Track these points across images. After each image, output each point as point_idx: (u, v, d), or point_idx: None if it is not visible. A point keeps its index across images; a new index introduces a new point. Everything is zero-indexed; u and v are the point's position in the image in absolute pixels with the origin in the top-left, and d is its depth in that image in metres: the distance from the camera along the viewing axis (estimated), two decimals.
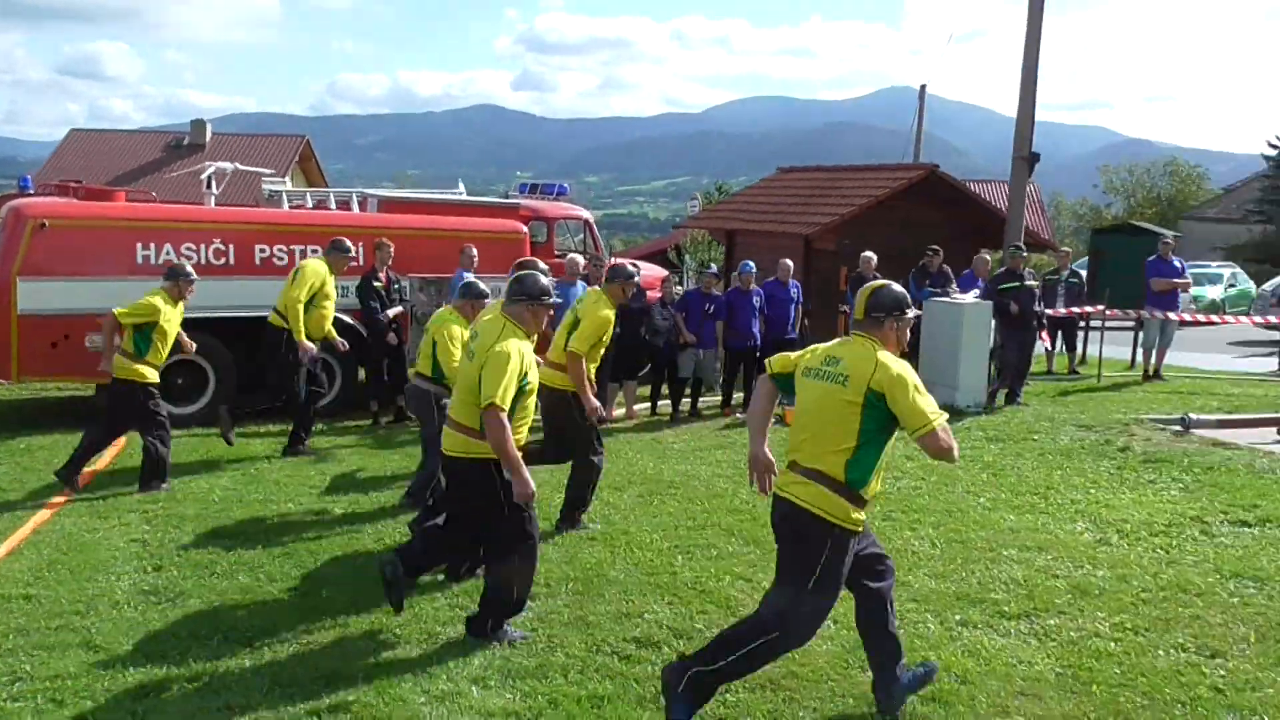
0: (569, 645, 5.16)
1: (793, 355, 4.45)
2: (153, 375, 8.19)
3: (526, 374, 5.09)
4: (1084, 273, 17.17)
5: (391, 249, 10.90)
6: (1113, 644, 5.11)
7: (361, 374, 11.48)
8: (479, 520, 5.30)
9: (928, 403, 4.01)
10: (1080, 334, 15.05)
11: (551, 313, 5.52)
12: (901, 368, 4.07)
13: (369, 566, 6.08)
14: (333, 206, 12.75)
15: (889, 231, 15.31)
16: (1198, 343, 18.28)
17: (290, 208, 12.45)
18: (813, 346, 4.40)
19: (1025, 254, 12.71)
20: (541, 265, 6.67)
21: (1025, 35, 15.01)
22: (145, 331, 8.09)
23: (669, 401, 11.91)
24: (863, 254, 12.99)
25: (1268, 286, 21.70)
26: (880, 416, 4.03)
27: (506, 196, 14.71)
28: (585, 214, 14.13)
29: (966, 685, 4.69)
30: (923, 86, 30.89)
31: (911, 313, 4.29)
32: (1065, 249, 14.57)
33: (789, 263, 12.36)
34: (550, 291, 5.41)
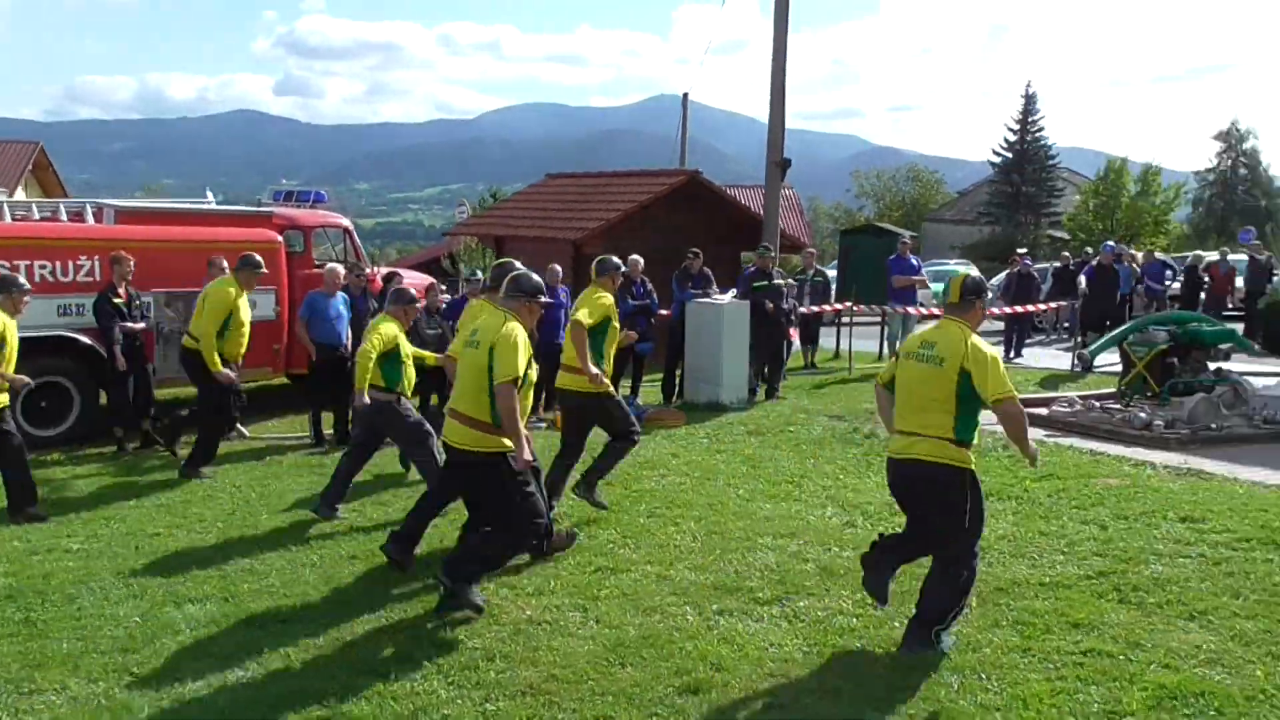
0: (325, 668, 4.97)
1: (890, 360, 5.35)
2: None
3: (530, 361, 5.46)
4: (832, 272, 18.16)
5: (131, 263, 10.19)
6: (855, 620, 5.41)
7: (104, 398, 10.67)
8: (489, 508, 5.60)
9: (1005, 379, 4.75)
10: (823, 330, 15.87)
11: (542, 311, 5.84)
12: (986, 349, 4.82)
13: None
14: (64, 218, 11.78)
15: (654, 235, 15.68)
16: None
17: (14, 219, 11.42)
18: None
19: (773, 254, 13.29)
20: (518, 265, 6.52)
21: (772, 47, 15.71)
22: None
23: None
24: (630, 257, 13.22)
25: (996, 281, 23.62)
26: (971, 387, 4.77)
27: (259, 204, 14.01)
28: (345, 222, 13.65)
29: (721, 672, 4.83)
30: (685, 95, 31.83)
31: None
32: (811, 249, 15.35)
33: (557, 268, 12.41)
34: (543, 289, 5.80)
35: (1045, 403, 10.77)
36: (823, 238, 58.29)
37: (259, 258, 9.41)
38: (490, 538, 5.71)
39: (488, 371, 5.32)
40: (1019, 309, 16.35)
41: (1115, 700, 4.36)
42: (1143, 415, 9.60)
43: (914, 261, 15.25)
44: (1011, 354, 16.47)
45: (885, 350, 15.52)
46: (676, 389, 12.93)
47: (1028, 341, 17.56)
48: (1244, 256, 20.75)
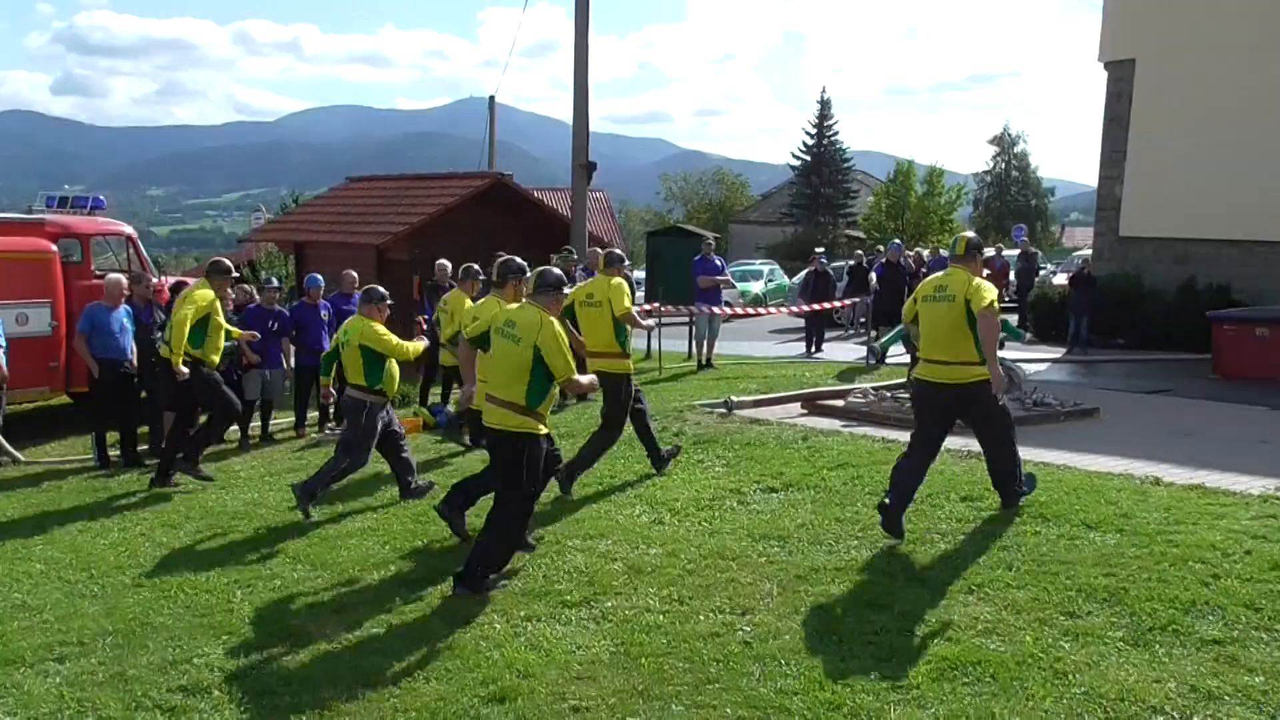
0: (103, 707, 4.63)
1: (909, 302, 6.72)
2: None
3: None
4: (640, 273, 18.38)
5: None
6: (661, 616, 5.46)
7: None
8: (506, 478, 6.00)
9: (995, 303, 6.19)
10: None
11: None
12: (986, 285, 6.28)
13: None
14: None
15: (460, 238, 15.44)
16: (745, 333, 20.28)
17: None
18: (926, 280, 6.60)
19: (576, 257, 13.33)
20: (516, 259, 6.92)
21: (574, 50, 15.77)
22: None
23: (236, 427, 11.17)
24: (437, 261, 13.00)
25: (796, 280, 24.53)
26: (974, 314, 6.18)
27: (30, 211, 13.00)
28: (127, 229, 12.85)
29: (528, 679, 4.79)
30: (492, 97, 31.53)
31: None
32: (350, 273, 15.37)
33: (353, 274, 12.09)
34: (565, 281, 6.32)
35: (841, 395, 11.23)
36: (635, 240, 59.00)
37: (228, 262, 9.31)
38: (487, 539, 6.07)
39: (530, 367, 5.82)
40: (817, 306, 16.97)
41: (903, 675, 4.57)
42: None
43: (718, 262, 15.61)
44: (812, 349, 17.09)
45: (693, 350, 15.80)
46: None
47: (827, 337, 18.28)
48: (1017, 252, 22.35)
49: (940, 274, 6.53)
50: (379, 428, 7.92)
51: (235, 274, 10.52)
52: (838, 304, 18.18)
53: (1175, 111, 16.74)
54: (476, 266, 10.16)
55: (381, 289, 8.12)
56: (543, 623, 5.47)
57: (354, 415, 7.92)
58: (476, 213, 16.69)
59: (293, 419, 11.81)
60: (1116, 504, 6.60)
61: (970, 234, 6.75)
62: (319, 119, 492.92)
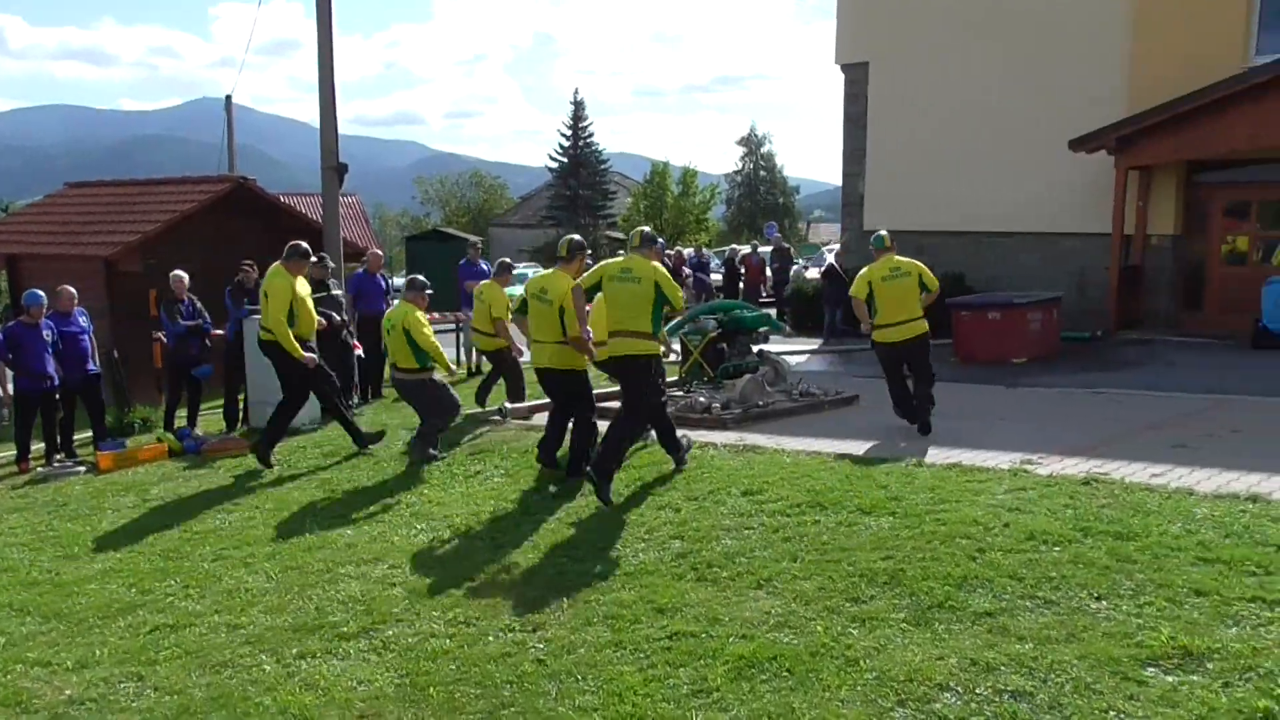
0: None
1: (866, 278, 8.96)
2: None
3: None
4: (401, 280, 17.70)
5: None
6: (447, 641, 5.20)
7: None
8: (630, 393, 7.57)
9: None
10: None
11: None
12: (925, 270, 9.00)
13: None
14: None
15: (200, 247, 14.43)
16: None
17: None
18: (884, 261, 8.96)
19: (330, 264, 12.73)
20: (576, 237, 8.54)
21: (318, 49, 15.01)
22: None
23: None
24: (172, 273, 12.03)
25: None
26: (923, 284, 8.89)
27: None
28: None
29: None
30: (228, 97, 29.81)
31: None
32: (376, 251, 14.86)
33: (70, 290, 11.07)
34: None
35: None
36: (392, 245, 57.50)
37: (305, 245, 9.72)
38: (613, 429, 7.37)
39: (653, 300, 7.25)
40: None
41: (702, 679, 4.52)
42: (702, 399, 10.29)
43: (484, 266, 15.29)
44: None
45: (463, 357, 15.41)
46: (241, 415, 11.96)
47: None
48: (771, 248, 23.32)
49: (887, 259, 8.94)
50: (443, 386, 9.25)
51: None
52: None
53: (907, 111, 17.90)
54: (509, 260, 12.05)
55: (423, 278, 9.56)
56: (318, 659, 5.08)
57: (416, 392, 9.17)
58: (218, 220, 15.65)
59: (13, 453, 10.62)
60: (886, 487, 6.88)
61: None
62: (30, 119, 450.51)
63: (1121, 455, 7.60)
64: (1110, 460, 7.44)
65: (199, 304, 11.95)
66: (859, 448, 8.31)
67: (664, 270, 7.57)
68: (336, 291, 12.25)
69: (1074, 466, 7.27)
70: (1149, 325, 15.86)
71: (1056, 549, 5.49)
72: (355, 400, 12.06)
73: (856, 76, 18.68)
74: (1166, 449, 7.83)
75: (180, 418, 11.83)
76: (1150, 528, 5.71)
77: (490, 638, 5.16)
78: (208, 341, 11.92)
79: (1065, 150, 15.26)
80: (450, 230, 26.13)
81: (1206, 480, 6.78)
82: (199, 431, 11.57)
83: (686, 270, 22.01)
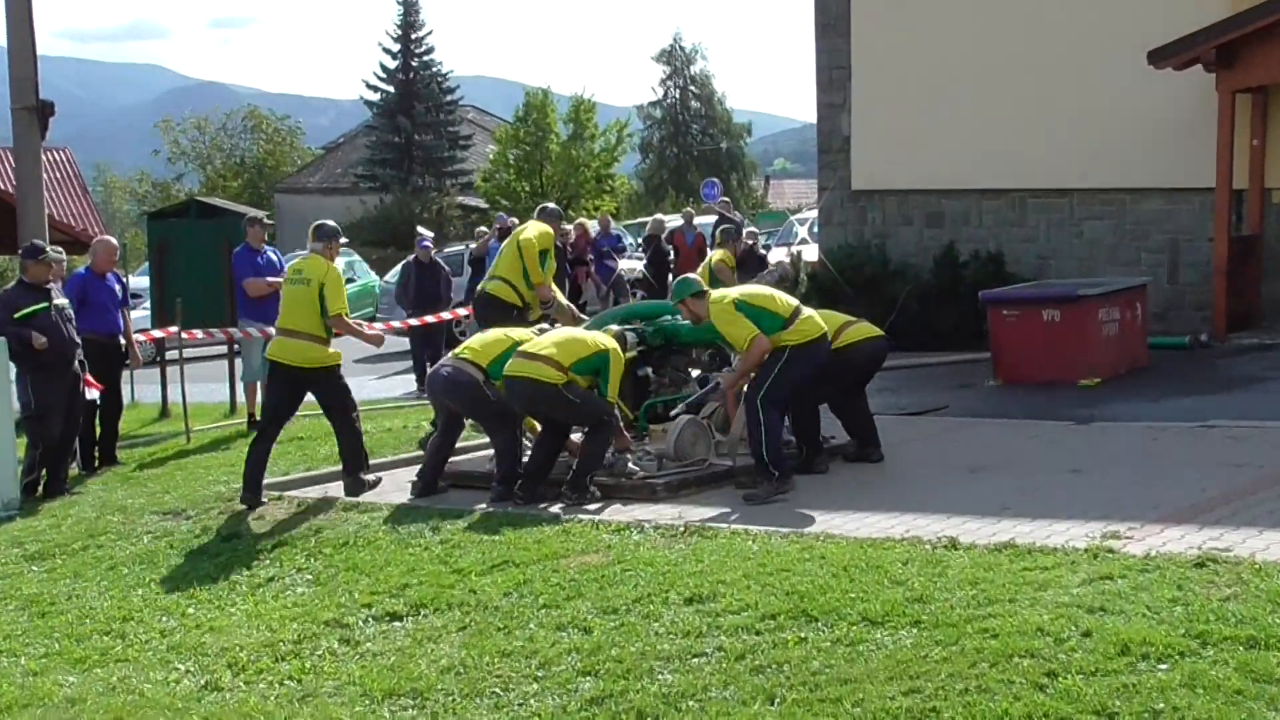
0: None
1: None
2: None
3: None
4: (141, 280, 17.48)
5: None
6: None
7: None
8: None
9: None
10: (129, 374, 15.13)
11: None
12: None
13: None
14: None
15: None
16: None
17: None
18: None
19: (62, 257, 12.51)
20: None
21: None
22: None
23: None
24: None
25: (391, 276, 24.34)
26: None
27: None
28: None
29: None
30: None
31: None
32: (109, 239, 14.55)
33: None
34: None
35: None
36: (125, 226, 56.59)
37: (335, 224, 10.75)
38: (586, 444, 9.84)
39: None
40: (426, 319, 16.66)
41: None
42: (613, 454, 10.23)
43: (272, 255, 15.04)
44: (420, 388, 16.58)
45: (241, 397, 15.13)
46: None
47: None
48: (711, 219, 23.38)
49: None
50: (502, 401, 10.22)
51: None
52: (460, 313, 18.01)
53: (911, 11, 18.05)
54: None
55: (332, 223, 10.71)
56: None
57: (480, 409, 10.42)
58: None
59: None
60: (906, 583, 6.91)
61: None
62: None
63: (1248, 521, 7.79)
64: (1231, 529, 7.60)
65: None
66: (861, 522, 8.35)
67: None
68: (60, 300, 11.91)
69: (1180, 540, 7.41)
70: (1273, 323, 16.23)
71: (1163, 667, 5.56)
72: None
73: None
74: None
75: None
76: None
77: None
78: None
79: (1143, 66, 15.47)
80: (216, 201, 25.67)
81: None
82: None
83: (591, 256, 21.97)
